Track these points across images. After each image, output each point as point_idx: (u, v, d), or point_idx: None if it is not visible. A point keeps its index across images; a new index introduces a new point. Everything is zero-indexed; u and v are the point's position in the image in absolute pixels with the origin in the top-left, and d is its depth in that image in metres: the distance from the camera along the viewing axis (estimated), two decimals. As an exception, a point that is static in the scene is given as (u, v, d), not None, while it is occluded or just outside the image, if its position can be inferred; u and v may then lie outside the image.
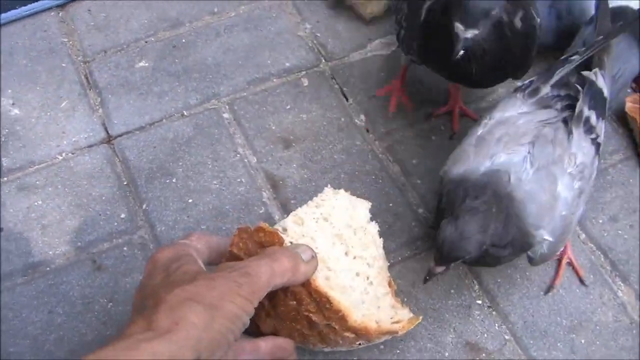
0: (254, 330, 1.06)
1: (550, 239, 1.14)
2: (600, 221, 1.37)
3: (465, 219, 1.09)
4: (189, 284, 0.91)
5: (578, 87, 1.23)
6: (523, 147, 1.16)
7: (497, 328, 1.26)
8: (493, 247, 1.11)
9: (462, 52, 1.16)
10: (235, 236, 1.09)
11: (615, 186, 1.41)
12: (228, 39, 1.66)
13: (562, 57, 1.31)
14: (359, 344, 1.11)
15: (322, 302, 1.04)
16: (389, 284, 1.16)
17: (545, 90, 1.24)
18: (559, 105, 1.22)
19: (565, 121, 1.20)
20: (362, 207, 1.20)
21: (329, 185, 1.20)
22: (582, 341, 1.25)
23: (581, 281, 1.30)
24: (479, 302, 1.29)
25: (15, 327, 1.25)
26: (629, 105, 1.48)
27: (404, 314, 1.13)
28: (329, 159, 1.46)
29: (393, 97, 1.53)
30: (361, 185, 1.40)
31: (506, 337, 1.25)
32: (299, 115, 1.53)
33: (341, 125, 1.51)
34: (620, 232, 1.36)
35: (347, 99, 1.55)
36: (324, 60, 1.63)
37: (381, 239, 1.18)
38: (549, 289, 1.29)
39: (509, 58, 1.25)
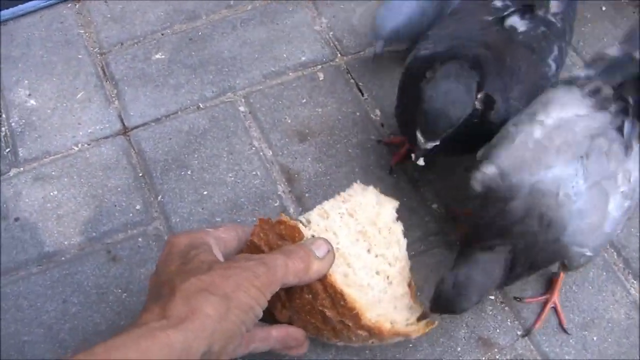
0: (269, 320, 1.06)
1: (590, 253, 1.11)
2: (614, 219, 1.36)
3: (467, 274, 1.06)
4: (204, 273, 0.92)
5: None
6: (577, 160, 1.09)
7: (509, 324, 1.26)
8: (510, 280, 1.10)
9: (421, 158, 1.18)
10: (256, 226, 1.10)
11: (630, 184, 1.40)
12: (244, 32, 1.66)
13: (626, 52, 1.23)
14: (372, 342, 1.10)
15: (337, 299, 1.05)
16: (409, 285, 1.15)
17: (607, 91, 1.16)
18: (613, 108, 1.14)
19: (619, 129, 1.13)
20: (389, 206, 1.19)
21: (358, 181, 1.19)
22: (594, 338, 1.25)
23: (562, 329, 1.26)
24: (492, 297, 1.29)
25: (29, 316, 1.26)
26: None
27: None
28: (344, 153, 1.46)
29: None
30: (375, 180, 1.40)
31: (518, 332, 1.25)
32: (314, 109, 1.53)
33: (356, 119, 1.51)
34: (633, 230, 1.36)
35: (362, 94, 1.55)
36: (339, 55, 1.63)
37: (405, 239, 1.18)
38: (528, 331, 1.26)
39: (474, 139, 1.22)
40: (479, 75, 1.15)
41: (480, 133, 1.19)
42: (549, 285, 1.29)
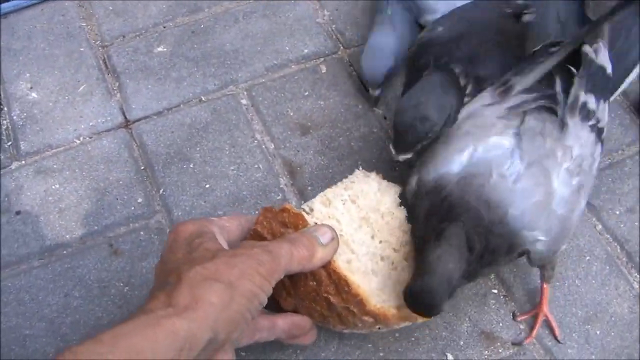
0: (274, 307, 1.06)
1: (546, 237, 1.07)
2: (617, 212, 1.36)
3: (432, 277, 1.00)
4: (209, 261, 0.92)
5: (571, 70, 1.15)
6: (505, 138, 1.08)
7: (512, 318, 1.26)
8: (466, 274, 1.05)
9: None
10: (260, 215, 1.10)
11: (633, 177, 1.39)
12: (247, 25, 1.66)
13: (537, 49, 1.23)
14: (378, 327, 1.10)
15: (341, 285, 1.04)
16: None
17: (514, 81, 1.16)
18: (531, 97, 1.14)
19: (548, 109, 1.12)
20: (392, 191, 1.18)
21: (360, 168, 1.19)
22: (597, 332, 1.24)
23: (556, 339, 1.25)
24: (495, 291, 1.29)
25: (31, 309, 1.26)
26: None
27: None
28: (347, 146, 1.46)
29: None
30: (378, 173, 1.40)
31: (521, 326, 1.25)
32: (316, 102, 1.53)
33: (359, 112, 1.51)
34: (637, 223, 1.35)
35: (365, 87, 1.54)
36: (342, 47, 1.62)
37: (410, 225, 1.16)
38: (519, 343, 1.23)
39: None
40: (468, 83, 1.15)
41: None
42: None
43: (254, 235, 1.10)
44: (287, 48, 1.62)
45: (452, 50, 1.20)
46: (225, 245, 1.02)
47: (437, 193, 1.07)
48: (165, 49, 1.62)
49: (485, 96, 1.16)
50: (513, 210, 1.04)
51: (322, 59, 1.60)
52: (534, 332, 1.24)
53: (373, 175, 1.20)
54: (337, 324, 1.10)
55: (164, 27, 1.65)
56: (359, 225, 1.14)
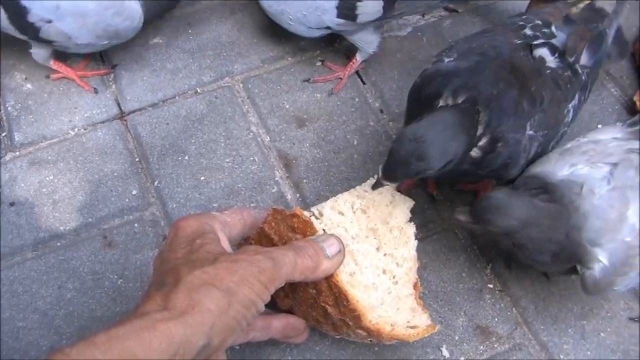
0: (270, 305, 1.05)
1: (605, 261, 1.10)
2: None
3: (520, 201, 1.09)
4: (210, 265, 0.91)
5: None
6: (606, 166, 1.13)
7: (508, 312, 1.26)
8: (532, 245, 1.10)
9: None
10: (269, 214, 1.09)
11: None
12: (243, 16, 1.65)
13: None
14: (370, 340, 1.10)
15: (340, 298, 1.04)
16: (415, 286, 1.14)
17: None
18: None
19: None
20: (404, 206, 1.18)
21: (375, 176, 1.15)
22: (593, 327, 1.25)
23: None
24: (491, 285, 1.29)
25: (25, 301, 1.25)
26: None
27: (422, 319, 1.11)
28: (342, 139, 1.45)
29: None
30: (374, 167, 1.40)
31: (517, 321, 1.25)
32: (313, 94, 1.53)
33: (355, 105, 1.51)
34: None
35: (361, 79, 1.54)
36: (338, 40, 1.62)
37: (416, 241, 1.16)
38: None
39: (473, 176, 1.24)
40: (483, 124, 1.12)
41: (494, 169, 1.18)
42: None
43: (261, 234, 1.10)
44: (283, 40, 1.61)
45: (470, 84, 1.15)
46: (227, 243, 1.02)
47: (537, 180, 1.14)
48: (161, 41, 1.61)
49: (615, 128, 1.24)
50: (590, 222, 1.09)
51: (318, 51, 1.60)
52: None
53: (387, 185, 1.18)
54: (330, 330, 1.11)
55: (160, 18, 1.64)
56: (365, 236, 1.14)
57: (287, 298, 1.10)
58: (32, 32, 1.37)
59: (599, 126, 1.46)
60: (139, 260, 1.30)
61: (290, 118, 1.49)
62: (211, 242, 0.97)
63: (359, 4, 1.37)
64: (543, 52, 1.23)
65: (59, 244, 1.32)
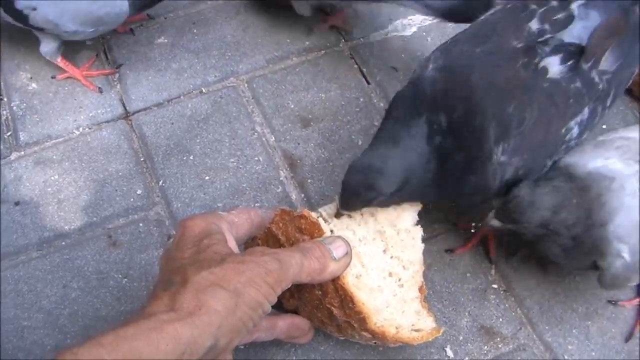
0: (275, 304, 1.05)
1: (628, 258, 1.09)
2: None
3: (545, 191, 1.08)
4: (217, 266, 0.91)
5: None
6: (637, 164, 1.12)
7: (512, 313, 1.26)
8: (565, 229, 1.09)
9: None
10: (276, 215, 1.10)
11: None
12: (248, 16, 1.66)
13: None
14: (374, 342, 1.10)
15: (346, 300, 1.04)
16: (420, 289, 1.14)
17: None
18: None
19: None
20: (411, 209, 1.18)
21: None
22: (598, 328, 1.24)
23: None
24: (495, 286, 1.28)
25: (29, 300, 1.25)
26: None
27: (427, 323, 1.11)
28: (347, 139, 1.45)
29: None
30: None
31: (521, 321, 1.25)
32: (317, 94, 1.52)
33: (360, 105, 1.50)
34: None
35: (366, 79, 1.54)
36: (343, 40, 1.62)
37: (423, 244, 1.16)
38: (630, 335, 1.24)
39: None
40: (442, 137, 1.07)
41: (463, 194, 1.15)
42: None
43: (268, 234, 1.10)
44: (288, 40, 1.61)
45: (443, 99, 1.09)
46: (234, 243, 1.02)
47: (564, 169, 1.13)
48: (166, 40, 1.61)
49: None
50: (617, 218, 1.08)
51: (323, 52, 1.60)
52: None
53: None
54: (335, 332, 1.11)
55: (165, 19, 1.64)
56: (373, 238, 1.14)
57: (292, 298, 1.10)
58: (23, 20, 1.38)
59: (604, 127, 1.45)
60: (143, 259, 1.30)
61: (295, 118, 1.49)
62: (218, 243, 0.97)
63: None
64: (550, 61, 1.11)
65: (63, 243, 1.32)
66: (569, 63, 1.11)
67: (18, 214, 1.35)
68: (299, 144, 1.45)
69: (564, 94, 1.11)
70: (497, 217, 1.11)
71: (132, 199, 1.38)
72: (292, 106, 1.51)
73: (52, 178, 1.39)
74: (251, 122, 1.48)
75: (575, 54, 1.12)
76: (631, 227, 1.09)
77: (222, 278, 0.90)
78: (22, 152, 1.43)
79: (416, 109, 1.10)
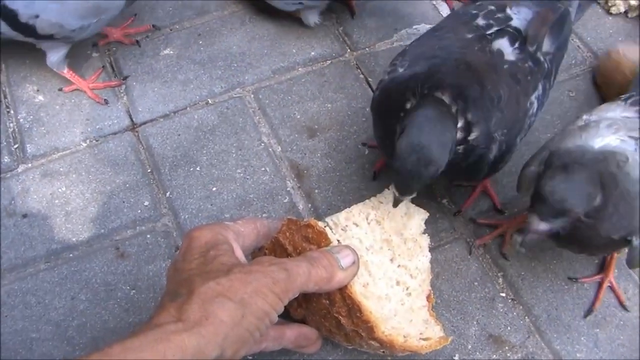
0: (283, 314, 1.05)
1: None
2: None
3: (578, 174, 1.06)
4: (224, 276, 0.91)
5: None
6: (632, 140, 1.12)
7: (520, 321, 1.25)
8: (589, 219, 1.08)
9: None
10: (283, 224, 1.10)
11: None
12: (253, 27, 1.66)
13: None
14: (382, 351, 1.10)
15: (354, 309, 1.04)
16: (428, 298, 1.14)
17: None
18: None
19: None
20: (418, 217, 1.18)
21: (390, 187, 1.16)
22: (606, 336, 1.24)
23: (622, 306, 1.28)
24: (503, 294, 1.28)
25: (38, 312, 1.25)
26: None
27: (435, 331, 1.11)
28: (354, 148, 1.45)
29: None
30: (385, 176, 1.40)
31: (530, 330, 1.24)
32: (324, 104, 1.53)
33: (366, 115, 1.51)
34: None
35: (372, 89, 1.54)
36: (349, 50, 1.62)
37: (430, 253, 1.16)
38: (589, 311, 1.27)
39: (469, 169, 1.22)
40: (460, 111, 1.12)
41: (472, 163, 1.18)
42: (602, 265, 1.30)
43: (275, 244, 1.10)
44: (294, 51, 1.62)
45: (431, 83, 1.14)
46: (240, 253, 1.02)
47: (574, 154, 1.11)
48: (171, 52, 1.62)
49: (618, 107, 1.22)
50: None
51: (329, 62, 1.60)
52: (600, 296, 1.28)
53: (406, 199, 1.17)
54: (343, 341, 1.11)
55: (171, 30, 1.65)
56: (380, 247, 1.14)
57: (300, 308, 1.10)
58: (32, 32, 1.39)
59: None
60: (151, 271, 1.30)
61: (302, 128, 1.49)
62: (225, 253, 0.97)
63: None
64: (501, 43, 1.23)
65: (71, 255, 1.32)
66: (516, 45, 1.23)
67: (26, 226, 1.35)
68: (305, 154, 1.45)
69: (522, 72, 1.22)
70: (541, 217, 1.08)
71: (139, 211, 1.38)
72: (299, 116, 1.51)
73: (60, 190, 1.40)
74: (258, 132, 1.48)
75: (517, 37, 1.24)
76: None
77: (229, 288, 0.90)
78: (30, 165, 1.43)
79: (407, 102, 1.14)
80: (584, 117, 1.20)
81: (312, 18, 1.59)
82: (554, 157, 1.13)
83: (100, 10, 1.41)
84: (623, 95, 1.24)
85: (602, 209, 1.07)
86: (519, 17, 1.27)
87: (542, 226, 1.08)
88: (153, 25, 1.63)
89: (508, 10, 1.27)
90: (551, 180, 1.07)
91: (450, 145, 1.08)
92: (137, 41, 1.62)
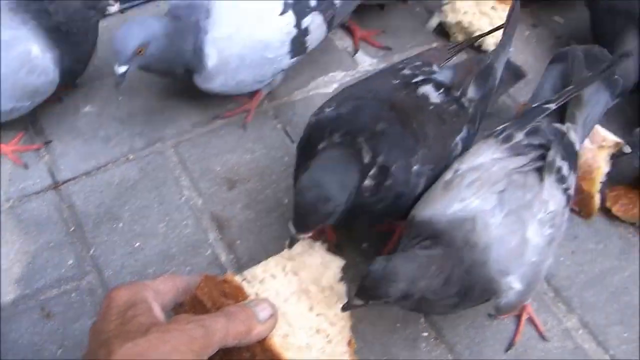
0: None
1: (519, 286, 1.12)
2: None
3: (400, 262, 1.08)
4: (141, 337, 0.91)
5: (550, 136, 1.24)
6: (494, 194, 1.14)
7: (443, 359, 1.28)
8: (433, 295, 1.10)
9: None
10: (201, 281, 1.09)
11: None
12: (172, 82, 1.67)
13: (535, 105, 1.31)
14: None
15: None
16: (349, 343, 1.15)
17: (519, 137, 1.23)
18: (532, 154, 1.20)
19: (538, 170, 1.19)
20: (334, 265, 1.18)
21: (305, 237, 1.17)
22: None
23: (542, 337, 1.30)
24: (425, 334, 1.30)
25: (-37, 377, 1.25)
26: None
27: None
28: (273, 198, 1.47)
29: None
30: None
31: (459, 366, 1.27)
32: (242, 155, 1.55)
33: (285, 163, 1.53)
34: (562, 258, 1.39)
35: (290, 138, 1.57)
36: (266, 101, 1.65)
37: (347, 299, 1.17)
38: (510, 345, 1.29)
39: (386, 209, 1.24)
40: (372, 152, 1.16)
41: (390, 203, 1.20)
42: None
43: (194, 300, 1.09)
44: (210, 105, 1.64)
45: (350, 124, 1.19)
46: (159, 312, 1.01)
47: (427, 227, 1.13)
48: (92, 109, 1.63)
49: (490, 146, 1.23)
50: (495, 254, 1.10)
51: (246, 113, 1.62)
52: (520, 329, 1.30)
53: (317, 245, 1.20)
54: None
55: (90, 87, 1.66)
56: (298, 298, 1.15)
57: None
58: None
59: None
60: (77, 329, 1.30)
61: (222, 180, 1.51)
62: (143, 313, 0.97)
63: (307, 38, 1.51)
64: (426, 89, 1.28)
65: (-3, 317, 1.32)
66: (441, 91, 1.29)
67: (-50, 290, 1.35)
68: (226, 205, 1.47)
69: (448, 113, 1.27)
70: (358, 295, 1.10)
71: (63, 269, 1.38)
72: (218, 168, 1.53)
73: (-17, 252, 1.40)
74: (178, 186, 1.50)
75: (442, 86, 1.30)
76: (511, 257, 1.11)
77: (147, 349, 0.90)
78: (-48, 227, 1.43)
79: (334, 133, 1.19)
80: (455, 166, 1.22)
81: None
82: (412, 232, 1.16)
83: (36, 93, 1.43)
84: (499, 128, 1.27)
85: (448, 286, 1.10)
86: (442, 74, 1.33)
87: (357, 302, 1.11)
88: (45, 143, 1.61)
89: (434, 67, 1.33)
90: (373, 265, 1.08)
91: (351, 186, 1.12)
92: (60, 97, 1.63)
